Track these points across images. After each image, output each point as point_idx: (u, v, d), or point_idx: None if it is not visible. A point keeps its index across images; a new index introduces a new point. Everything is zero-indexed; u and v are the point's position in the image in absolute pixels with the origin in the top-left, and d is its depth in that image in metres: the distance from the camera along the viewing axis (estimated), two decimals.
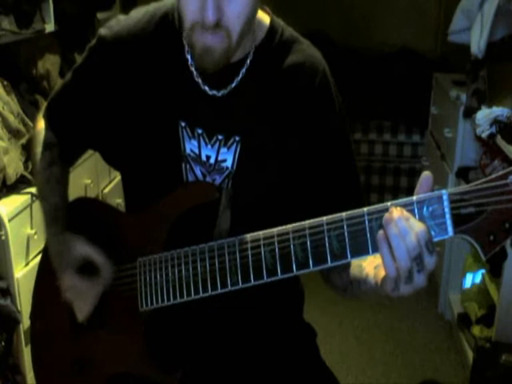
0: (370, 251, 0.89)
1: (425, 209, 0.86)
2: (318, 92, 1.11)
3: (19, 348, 2.03)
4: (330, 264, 0.93)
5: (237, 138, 1.09)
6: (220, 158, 1.10)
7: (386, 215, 0.85)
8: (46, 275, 1.23)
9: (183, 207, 1.08)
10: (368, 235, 0.89)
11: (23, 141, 2.20)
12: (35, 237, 2.07)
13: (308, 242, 0.94)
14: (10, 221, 1.95)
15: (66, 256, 1.14)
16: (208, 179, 1.11)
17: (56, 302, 1.17)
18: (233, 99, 1.09)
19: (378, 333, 2.88)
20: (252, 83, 1.09)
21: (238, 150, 1.09)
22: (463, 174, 2.72)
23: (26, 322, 1.96)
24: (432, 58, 4.14)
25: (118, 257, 1.13)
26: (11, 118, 2.17)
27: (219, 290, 1.02)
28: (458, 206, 0.85)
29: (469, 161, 2.76)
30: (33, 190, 2.05)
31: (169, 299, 1.07)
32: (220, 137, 1.09)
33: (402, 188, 4.03)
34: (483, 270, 2.54)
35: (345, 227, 0.91)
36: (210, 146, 1.10)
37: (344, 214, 0.91)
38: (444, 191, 0.85)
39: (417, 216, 0.86)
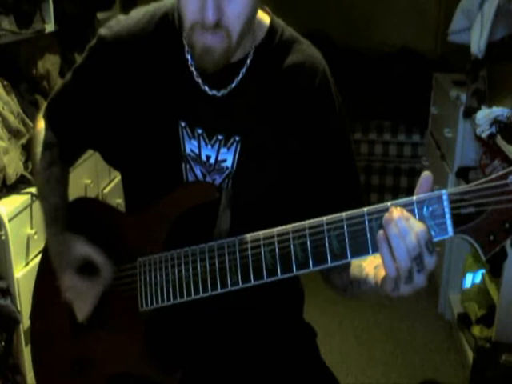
0: (370, 251, 0.89)
1: (425, 209, 0.86)
2: (318, 92, 1.11)
3: (19, 348, 2.03)
4: (330, 264, 0.93)
5: (237, 138, 1.09)
6: (220, 158, 1.10)
7: (386, 215, 0.85)
8: (46, 275, 1.23)
9: (183, 207, 1.08)
10: (368, 235, 0.89)
11: (23, 141, 2.20)
12: (35, 237, 2.07)
13: (308, 242, 0.94)
14: (10, 221, 1.95)
15: (65, 256, 1.14)
16: (208, 179, 1.11)
17: (56, 302, 1.17)
18: (233, 99, 1.09)
19: (378, 333, 2.88)
20: (252, 83, 1.09)
21: (238, 150, 1.09)
22: (463, 173, 2.72)
23: (25, 322, 1.96)
24: (432, 58, 4.14)
25: (118, 257, 1.13)
26: (11, 118, 2.17)
27: (219, 290, 1.02)
28: (458, 205, 0.85)
29: (469, 161, 2.76)
30: (33, 190, 2.05)
31: (169, 299, 1.07)
32: (220, 137, 1.09)
33: (401, 188, 4.03)
34: (483, 270, 2.54)
35: (345, 227, 0.91)
36: (209, 146, 1.10)
37: (344, 214, 0.91)
38: (444, 191, 0.85)
39: (417, 216, 0.86)
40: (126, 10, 1.21)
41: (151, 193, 1.12)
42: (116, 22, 1.14)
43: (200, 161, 1.11)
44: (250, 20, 0.99)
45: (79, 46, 2.78)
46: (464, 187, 0.85)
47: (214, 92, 1.08)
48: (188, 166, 1.11)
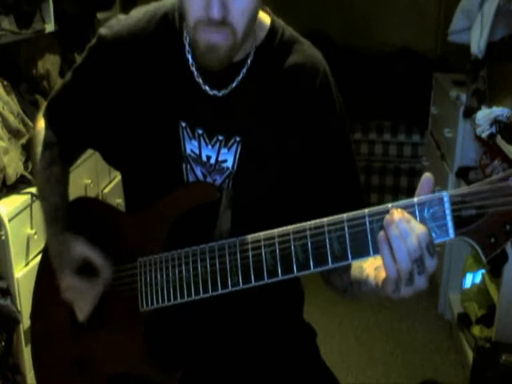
0: (371, 253, 0.89)
1: (426, 211, 0.86)
2: (318, 92, 1.11)
3: (19, 348, 2.03)
4: (330, 265, 0.92)
5: (237, 139, 1.09)
6: (220, 158, 1.10)
7: (387, 217, 0.85)
8: (46, 275, 1.23)
9: (184, 207, 1.08)
10: (369, 237, 0.89)
11: (23, 141, 2.20)
12: (35, 237, 2.07)
13: (309, 243, 0.94)
14: (10, 221, 1.95)
15: (65, 256, 1.14)
16: (208, 179, 1.11)
17: (56, 302, 1.17)
18: (233, 99, 1.08)
19: (378, 333, 2.88)
20: (253, 83, 1.09)
21: (239, 150, 1.09)
22: (463, 174, 2.72)
23: (26, 322, 1.96)
24: (432, 58, 4.14)
25: (118, 257, 1.13)
26: (11, 118, 2.17)
27: (220, 291, 1.01)
28: (459, 207, 0.85)
29: (469, 161, 2.76)
30: (33, 190, 2.05)
31: (169, 299, 1.06)
32: (220, 137, 1.09)
33: (402, 188, 4.03)
34: (483, 270, 2.54)
35: (346, 228, 0.90)
36: (210, 147, 1.10)
37: (345, 216, 0.91)
38: (445, 193, 0.85)
39: (418, 218, 0.86)
40: (126, 9, 1.20)
41: (151, 193, 1.12)
42: (116, 22, 1.14)
43: (200, 161, 1.11)
44: (254, 18, 0.99)
45: (79, 46, 2.78)
46: (465, 189, 0.85)
47: (215, 92, 1.08)
48: (188, 167, 1.11)
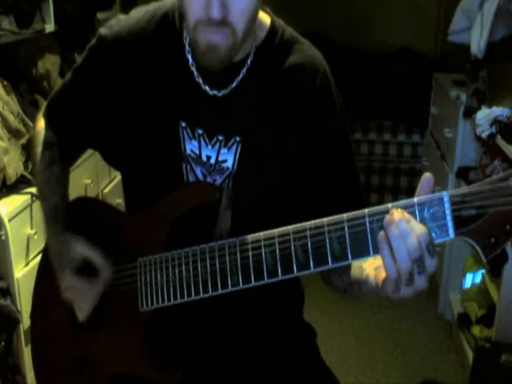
0: (371, 253, 0.89)
1: (426, 211, 0.86)
2: (318, 92, 1.11)
3: (19, 348, 2.03)
4: (330, 265, 0.92)
5: (237, 139, 1.09)
6: (220, 158, 1.10)
7: (387, 217, 0.85)
8: (46, 275, 1.23)
9: (184, 207, 1.08)
10: (369, 237, 0.89)
11: (23, 141, 2.20)
12: (35, 237, 2.07)
13: (309, 243, 0.94)
14: (10, 221, 1.95)
15: (65, 256, 1.14)
16: (208, 179, 1.11)
17: (56, 302, 1.17)
18: (233, 99, 1.08)
19: (378, 333, 2.88)
20: (253, 83, 1.09)
21: (239, 150, 1.09)
22: (463, 174, 2.72)
23: (26, 322, 1.96)
24: (432, 58, 4.14)
25: (118, 257, 1.13)
26: (11, 118, 2.17)
27: (220, 291, 1.01)
28: (459, 207, 0.85)
29: (469, 161, 2.76)
30: (33, 190, 2.05)
31: (169, 299, 1.06)
32: (220, 137, 1.09)
33: (402, 188, 4.03)
34: (483, 270, 2.54)
35: (346, 228, 0.90)
36: (210, 147, 1.10)
37: (345, 216, 0.91)
38: (445, 193, 0.85)
39: (418, 218, 0.86)
40: (126, 9, 1.20)
41: (151, 193, 1.12)
42: (116, 22, 1.14)
43: (200, 161, 1.11)
44: (254, 18, 0.99)
45: (79, 46, 2.78)
46: (465, 189, 0.85)
47: (215, 92, 1.08)
48: (188, 167, 1.11)
